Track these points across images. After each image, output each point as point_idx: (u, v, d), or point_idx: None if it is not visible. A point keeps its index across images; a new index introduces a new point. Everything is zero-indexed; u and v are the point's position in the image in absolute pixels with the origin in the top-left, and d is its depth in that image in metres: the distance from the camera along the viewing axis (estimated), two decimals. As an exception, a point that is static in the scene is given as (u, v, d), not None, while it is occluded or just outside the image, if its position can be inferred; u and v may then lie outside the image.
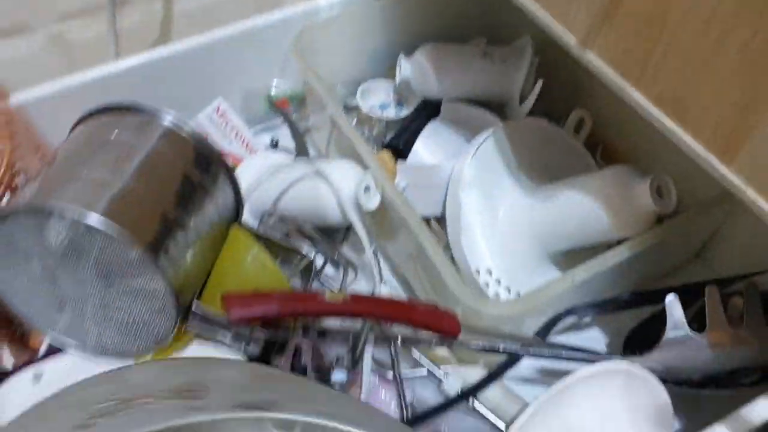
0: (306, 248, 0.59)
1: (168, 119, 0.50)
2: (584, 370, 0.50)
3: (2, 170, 0.48)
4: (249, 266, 0.50)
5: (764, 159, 0.36)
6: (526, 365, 0.62)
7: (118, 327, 0.46)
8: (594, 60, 0.45)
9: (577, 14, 0.45)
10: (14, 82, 0.67)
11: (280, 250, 0.57)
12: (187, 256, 0.45)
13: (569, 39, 0.46)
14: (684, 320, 0.49)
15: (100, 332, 0.47)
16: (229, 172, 0.52)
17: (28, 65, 0.73)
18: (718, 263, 0.66)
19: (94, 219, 0.40)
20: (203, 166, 0.50)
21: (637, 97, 0.42)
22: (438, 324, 0.50)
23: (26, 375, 0.50)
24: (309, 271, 0.59)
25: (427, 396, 0.57)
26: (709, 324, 0.50)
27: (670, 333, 0.50)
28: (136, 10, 0.76)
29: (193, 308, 0.46)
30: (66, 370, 0.50)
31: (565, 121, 0.70)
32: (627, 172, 0.55)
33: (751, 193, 0.37)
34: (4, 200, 0.49)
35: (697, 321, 0.52)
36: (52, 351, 0.51)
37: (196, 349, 0.49)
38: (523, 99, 0.71)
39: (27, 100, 0.65)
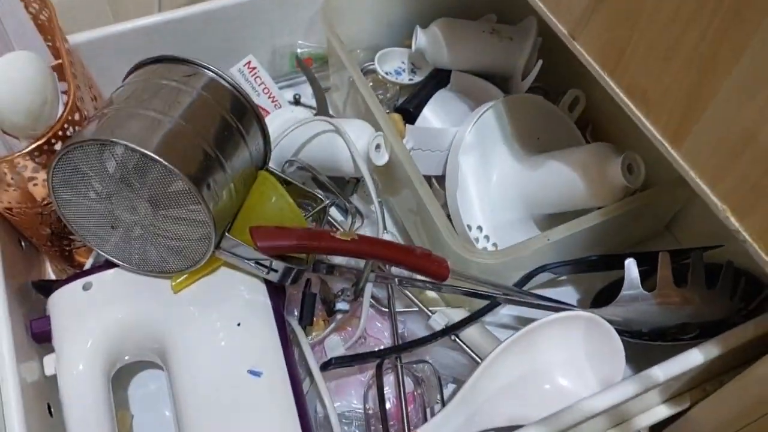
0: (321, 195, 0.67)
1: (212, 70, 0.57)
2: (551, 316, 0.58)
3: (68, 107, 0.55)
4: (273, 205, 0.59)
5: (704, 147, 0.43)
6: (505, 313, 0.70)
7: (161, 248, 0.54)
8: (579, 49, 0.52)
9: (567, 8, 0.52)
10: (67, 26, 0.74)
11: (298, 194, 0.65)
12: (224, 192, 0.53)
13: (560, 29, 0.53)
14: (638, 280, 0.58)
15: (144, 252, 0.55)
16: (261, 121, 0.60)
17: (79, 11, 0.79)
18: (684, 237, 0.75)
19: (149, 150, 0.48)
20: (240, 114, 0.57)
21: (612, 84, 0.50)
22: (430, 268, 0.57)
23: (77, 284, 0.58)
24: (322, 215, 0.67)
25: (416, 329, 0.65)
26: (658, 284, 0.58)
27: (625, 291, 0.59)
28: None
29: (225, 239, 0.54)
30: (112, 280, 0.58)
31: (562, 98, 0.77)
32: (604, 149, 0.63)
33: (692, 175, 0.44)
34: (68, 134, 0.56)
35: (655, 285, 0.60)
36: (97, 268, 0.60)
37: (224, 272, 0.58)
38: (525, 75, 0.79)
39: (78, 43, 0.73)
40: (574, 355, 0.60)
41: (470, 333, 0.64)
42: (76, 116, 0.57)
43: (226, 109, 0.56)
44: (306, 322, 0.61)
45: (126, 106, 0.53)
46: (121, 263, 0.57)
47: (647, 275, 0.60)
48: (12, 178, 0.54)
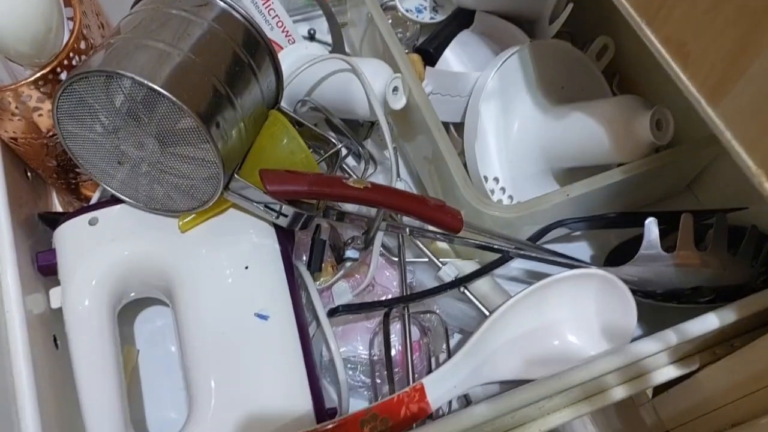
0: (334, 138, 0.65)
1: (224, 1, 0.54)
2: (565, 273, 0.57)
3: (73, 35, 0.53)
4: (284, 147, 0.57)
5: (744, 108, 0.41)
6: (517, 266, 0.69)
7: (168, 187, 0.53)
8: (617, -4, 0.49)
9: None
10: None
11: (310, 136, 0.63)
12: (233, 131, 0.51)
13: (596, -27, 0.50)
14: (658, 240, 0.56)
15: (151, 189, 0.54)
16: (274, 58, 0.57)
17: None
18: (705, 197, 0.72)
19: (158, 85, 0.46)
20: (252, 49, 0.55)
21: (649, 34, 0.47)
22: (443, 219, 0.56)
23: (83, 218, 0.57)
24: (334, 160, 0.65)
25: (425, 280, 0.64)
26: (678, 245, 0.56)
27: (644, 250, 0.57)
28: None
29: (233, 180, 0.53)
30: (118, 216, 0.57)
31: (589, 45, 0.74)
32: (632, 102, 0.60)
33: (728, 136, 0.42)
34: (74, 63, 0.54)
35: (674, 246, 0.58)
36: (104, 203, 0.58)
37: (232, 214, 0.57)
38: (552, 19, 0.75)
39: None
40: (586, 312, 0.59)
41: (480, 285, 0.63)
42: (82, 45, 0.55)
43: (238, 44, 0.54)
44: (314, 268, 0.60)
45: (134, 36, 0.50)
46: (127, 200, 0.56)
47: (665, 234, 0.58)
48: (16, 108, 0.52)
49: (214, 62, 0.51)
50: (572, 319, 0.59)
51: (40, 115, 0.53)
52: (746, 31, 0.39)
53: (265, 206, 0.54)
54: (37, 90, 0.51)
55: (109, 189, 0.56)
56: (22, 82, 0.50)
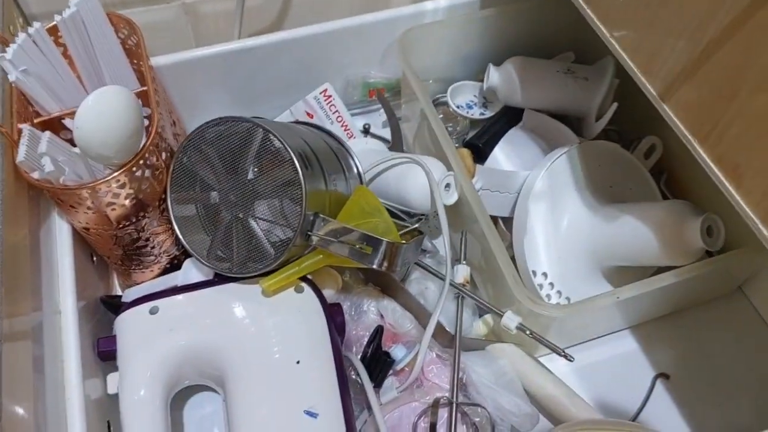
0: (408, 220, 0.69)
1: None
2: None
3: (150, 137, 0.56)
4: (369, 217, 0.59)
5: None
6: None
7: (256, 238, 0.57)
8: (668, 112, 0.50)
9: (660, 69, 0.50)
10: (149, 47, 0.76)
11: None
12: (319, 178, 0.57)
13: (650, 90, 0.51)
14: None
15: (240, 247, 0.57)
16: (351, 153, 0.68)
17: (163, 33, 0.82)
18: (758, 299, 0.72)
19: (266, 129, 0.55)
20: (336, 146, 0.67)
21: (702, 154, 0.48)
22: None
23: (144, 307, 0.59)
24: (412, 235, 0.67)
25: (474, 376, 0.64)
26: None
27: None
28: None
29: (317, 221, 0.56)
30: (178, 306, 0.59)
31: (638, 144, 0.75)
32: (683, 207, 0.61)
33: (784, 257, 0.42)
34: (149, 162, 0.57)
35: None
36: (166, 292, 0.60)
37: (290, 308, 0.58)
38: (599, 116, 0.77)
39: (161, 65, 0.74)
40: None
41: (542, 384, 0.62)
42: (156, 147, 0.58)
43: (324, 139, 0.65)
44: (378, 384, 0.61)
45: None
46: (218, 267, 0.59)
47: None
48: (92, 203, 0.55)
49: (314, 145, 0.61)
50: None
51: (113, 209, 0.57)
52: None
53: (351, 247, 0.56)
54: (112, 187, 0.54)
55: (200, 260, 0.59)
56: (101, 181, 0.53)
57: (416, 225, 0.67)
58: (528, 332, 0.60)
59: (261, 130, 0.55)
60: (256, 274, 0.57)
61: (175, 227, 0.60)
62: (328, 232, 0.56)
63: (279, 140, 0.54)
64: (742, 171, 0.45)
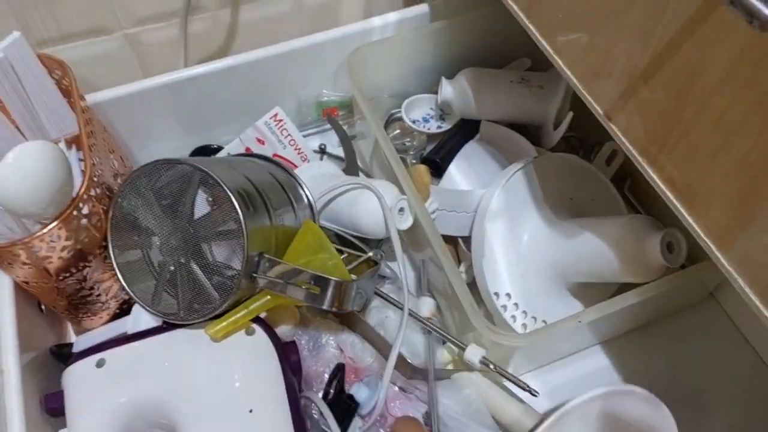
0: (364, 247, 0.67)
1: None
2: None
3: (83, 188, 0.53)
4: (316, 253, 0.57)
5: (754, 256, 0.39)
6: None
7: (200, 284, 0.55)
8: (616, 131, 0.48)
9: (604, 87, 0.49)
10: (90, 82, 0.74)
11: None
12: (261, 215, 0.55)
13: (595, 108, 0.50)
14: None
15: (186, 292, 0.55)
16: (302, 185, 0.66)
17: (104, 66, 0.79)
18: (729, 304, 0.70)
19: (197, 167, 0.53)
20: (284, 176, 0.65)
21: (651, 173, 0.46)
22: None
23: (91, 360, 0.56)
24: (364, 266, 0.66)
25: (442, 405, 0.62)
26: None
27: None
28: (206, 18, 0.81)
29: (262, 261, 0.54)
30: (124, 356, 0.56)
31: (599, 150, 0.73)
32: (642, 223, 0.59)
33: (741, 283, 0.40)
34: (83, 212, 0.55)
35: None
36: (111, 342, 0.58)
37: (240, 352, 0.56)
38: (557, 124, 0.75)
39: (105, 100, 0.72)
40: None
41: (509, 409, 0.61)
42: (93, 192, 0.56)
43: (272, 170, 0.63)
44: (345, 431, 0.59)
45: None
46: (164, 315, 0.57)
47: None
48: (27, 258, 0.53)
49: (258, 180, 0.59)
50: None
51: (51, 262, 0.54)
52: (751, 180, 0.38)
53: (299, 288, 0.54)
54: (47, 241, 0.52)
55: (147, 309, 0.57)
56: (34, 236, 0.51)
57: (369, 254, 0.64)
58: (492, 366, 0.58)
59: (198, 172, 0.53)
60: (202, 319, 0.55)
61: (119, 275, 0.57)
62: (274, 272, 0.54)
63: (217, 181, 0.52)
64: (695, 192, 0.43)
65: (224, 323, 0.55)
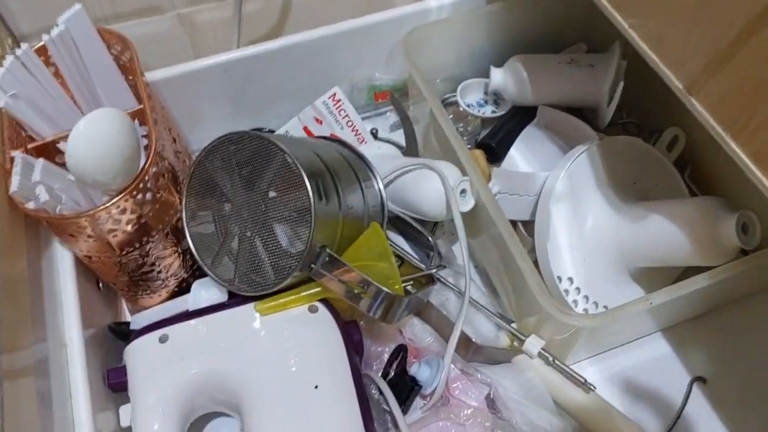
0: (424, 266, 0.66)
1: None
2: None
3: (149, 160, 0.53)
4: (377, 260, 0.56)
5: None
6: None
7: (262, 259, 0.54)
8: (697, 106, 0.47)
9: (686, 60, 0.47)
10: (143, 61, 0.74)
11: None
12: (332, 209, 0.54)
13: (675, 83, 0.48)
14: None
15: (246, 264, 0.55)
16: (381, 190, 0.65)
17: (160, 47, 0.79)
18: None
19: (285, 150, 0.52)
20: (361, 169, 0.64)
21: (736, 150, 0.44)
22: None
23: (153, 336, 0.56)
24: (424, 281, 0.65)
25: (501, 389, 0.61)
26: None
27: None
28: (259, -2, 0.80)
29: (321, 254, 0.53)
30: (187, 332, 0.56)
31: (659, 136, 0.72)
32: (715, 204, 0.57)
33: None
34: (149, 186, 0.55)
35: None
36: (174, 318, 0.58)
37: (305, 329, 0.56)
38: (609, 101, 0.73)
39: (158, 80, 0.72)
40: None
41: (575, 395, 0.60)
42: (157, 167, 0.55)
43: (350, 161, 0.62)
44: (404, 411, 0.58)
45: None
46: (223, 283, 0.57)
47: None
48: (92, 231, 0.53)
49: (329, 160, 0.58)
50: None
51: (115, 236, 0.54)
52: None
53: (349, 287, 0.53)
54: (113, 214, 0.52)
55: (206, 269, 0.57)
56: (100, 209, 0.51)
57: (431, 270, 0.64)
58: (550, 358, 0.57)
59: (281, 152, 0.52)
60: (255, 294, 0.55)
61: (186, 232, 0.57)
62: (331, 268, 0.53)
63: (298, 167, 0.51)
64: (782, 167, 0.41)
65: (273, 303, 0.55)
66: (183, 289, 0.64)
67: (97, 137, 0.48)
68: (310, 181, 0.52)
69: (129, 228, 0.54)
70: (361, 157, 0.66)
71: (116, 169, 0.49)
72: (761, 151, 0.43)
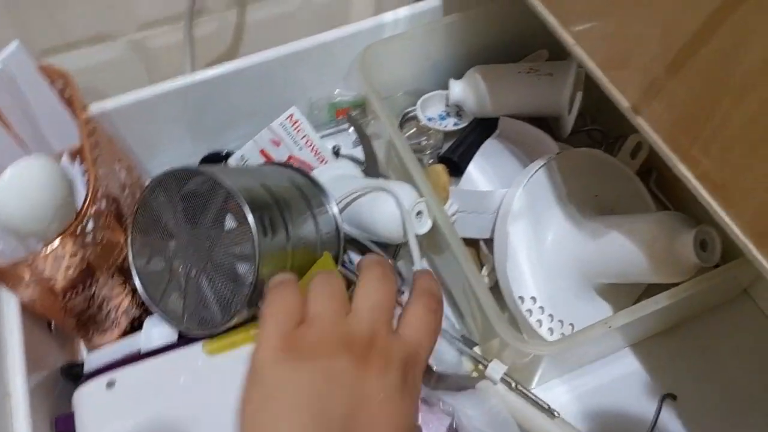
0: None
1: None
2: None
3: (86, 204, 0.51)
4: None
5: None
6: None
7: (208, 298, 0.53)
8: (643, 126, 0.45)
9: (630, 78, 0.46)
10: (96, 90, 0.72)
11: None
12: (279, 237, 0.52)
13: (619, 101, 0.47)
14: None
15: (192, 303, 0.54)
16: (336, 216, 0.62)
17: (109, 73, 0.77)
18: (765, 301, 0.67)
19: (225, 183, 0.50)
20: (314, 196, 0.61)
21: (682, 170, 0.43)
22: None
23: (101, 381, 0.54)
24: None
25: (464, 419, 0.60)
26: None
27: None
28: (212, 20, 0.78)
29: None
30: (135, 377, 0.54)
31: (623, 143, 0.70)
32: (674, 220, 0.56)
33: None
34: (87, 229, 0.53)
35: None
36: (121, 361, 0.56)
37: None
38: (570, 110, 0.72)
39: (108, 108, 0.70)
40: None
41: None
42: (97, 206, 0.54)
43: (301, 188, 0.60)
44: None
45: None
46: (171, 321, 0.56)
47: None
48: (31, 278, 0.51)
49: (278, 190, 0.56)
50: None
51: (56, 281, 0.52)
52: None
53: None
54: (50, 260, 0.50)
55: (157, 310, 0.56)
56: (38, 255, 0.49)
57: None
58: (513, 384, 0.56)
59: (222, 189, 0.50)
60: (203, 333, 0.54)
61: (133, 271, 0.56)
62: None
63: (239, 203, 0.50)
64: (731, 188, 0.40)
65: (221, 342, 0.53)
66: (136, 327, 0.62)
67: (24, 187, 0.46)
68: (254, 216, 0.50)
69: (71, 272, 0.53)
70: (315, 183, 0.64)
71: (49, 216, 0.48)
72: (708, 173, 0.41)
